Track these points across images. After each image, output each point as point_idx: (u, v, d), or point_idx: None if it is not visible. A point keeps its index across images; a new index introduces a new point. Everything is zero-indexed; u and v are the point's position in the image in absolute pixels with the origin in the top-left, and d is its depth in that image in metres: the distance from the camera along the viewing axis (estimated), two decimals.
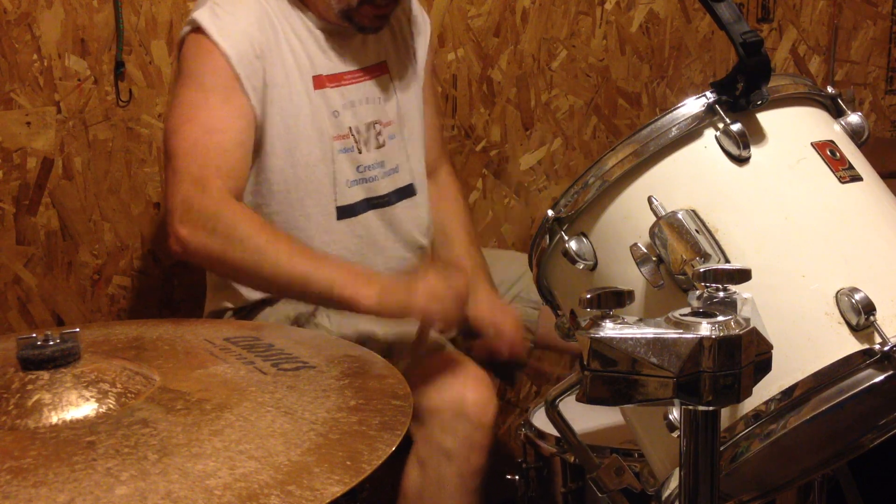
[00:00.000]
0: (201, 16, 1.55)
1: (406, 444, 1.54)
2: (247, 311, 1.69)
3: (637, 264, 0.99)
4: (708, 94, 1.05)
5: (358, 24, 1.63)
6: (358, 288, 1.43)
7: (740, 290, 0.79)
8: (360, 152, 1.69)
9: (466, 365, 1.55)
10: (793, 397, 0.96)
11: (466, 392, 1.50)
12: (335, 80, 1.66)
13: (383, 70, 1.74)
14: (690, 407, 0.77)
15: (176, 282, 2.02)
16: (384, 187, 1.72)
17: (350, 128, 1.68)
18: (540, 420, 1.55)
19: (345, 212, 1.69)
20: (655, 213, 1.01)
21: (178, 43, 1.62)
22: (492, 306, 1.71)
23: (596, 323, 0.76)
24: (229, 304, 1.71)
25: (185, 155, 1.51)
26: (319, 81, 1.64)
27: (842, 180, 1.05)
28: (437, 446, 1.50)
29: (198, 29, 1.55)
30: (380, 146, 1.72)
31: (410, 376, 1.49)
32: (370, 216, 1.72)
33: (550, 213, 1.10)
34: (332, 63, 1.66)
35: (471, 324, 1.67)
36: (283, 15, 1.62)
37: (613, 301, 0.77)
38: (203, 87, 1.55)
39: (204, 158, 1.50)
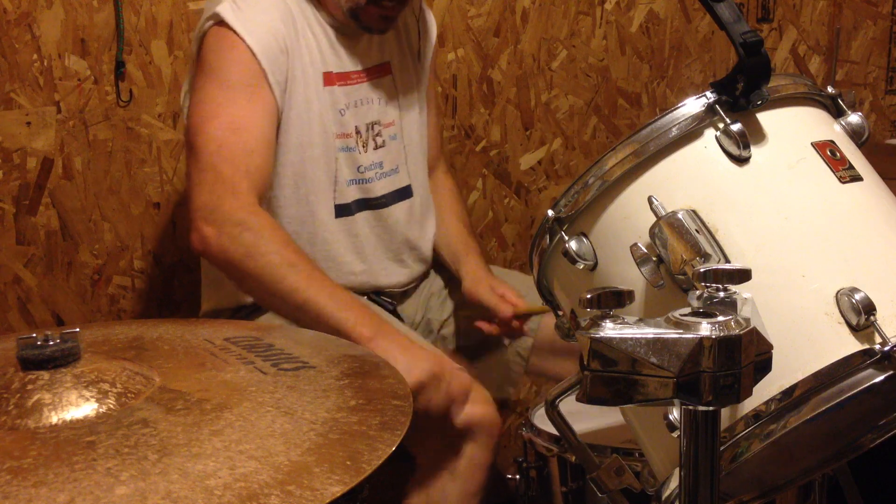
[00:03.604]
0: (224, 10, 1.53)
1: (407, 461, 1.54)
2: (246, 313, 1.69)
3: (637, 264, 0.99)
4: (708, 94, 1.04)
5: (364, 23, 1.62)
6: (364, 331, 1.41)
7: (740, 290, 0.79)
8: (359, 152, 1.69)
9: (472, 385, 1.54)
10: (793, 397, 0.96)
11: (471, 411, 1.50)
12: (343, 78, 1.66)
13: (386, 71, 1.74)
14: (690, 407, 0.77)
15: (176, 282, 2.02)
16: (380, 188, 1.72)
17: (355, 127, 1.68)
18: (540, 420, 1.55)
19: (341, 210, 1.69)
20: (655, 213, 1.01)
21: (197, 37, 1.59)
22: (489, 284, 1.74)
23: (596, 323, 0.76)
24: (225, 305, 1.71)
25: (212, 154, 1.49)
26: (329, 78, 1.64)
27: (842, 180, 1.05)
28: (441, 465, 1.50)
29: (220, 23, 1.53)
30: (378, 147, 1.71)
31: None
32: (364, 216, 1.72)
33: (550, 213, 1.10)
34: (340, 62, 1.66)
35: (471, 300, 1.72)
36: (300, 10, 1.62)
37: (613, 301, 0.77)
38: (228, 84, 1.53)
39: (232, 159, 1.48)
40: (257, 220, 1.46)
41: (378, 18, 1.62)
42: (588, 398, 0.77)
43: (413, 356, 1.41)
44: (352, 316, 1.43)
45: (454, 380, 1.44)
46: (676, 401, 0.76)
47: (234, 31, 1.52)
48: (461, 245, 1.84)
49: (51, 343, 0.97)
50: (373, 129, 1.71)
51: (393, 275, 1.77)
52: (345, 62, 1.67)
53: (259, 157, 1.52)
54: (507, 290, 1.72)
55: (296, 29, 1.59)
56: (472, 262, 1.80)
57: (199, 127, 1.52)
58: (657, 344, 0.74)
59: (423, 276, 1.85)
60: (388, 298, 1.78)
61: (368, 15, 1.61)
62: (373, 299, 1.75)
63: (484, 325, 1.74)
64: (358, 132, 1.69)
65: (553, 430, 1.44)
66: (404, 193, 1.77)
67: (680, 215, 0.99)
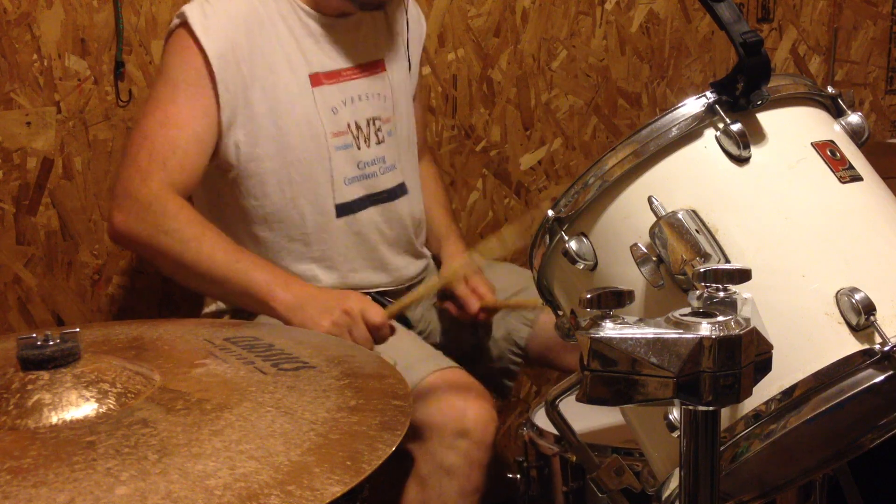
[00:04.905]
0: (190, 10, 1.56)
1: (406, 461, 1.55)
2: (247, 313, 1.69)
3: (637, 264, 0.99)
4: (708, 94, 1.04)
5: (360, 0, 1.63)
6: (274, 291, 1.49)
7: (740, 290, 0.79)
8: (359, 148, 1.69)
9: (467, 382, 1.55)
10: (793, 397, 0.96)
11: (467, 409, 1.50)
12: (333, 76, 1.66)
13: (381, 67, 1.74)
14: (690, 407, 0.77)
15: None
16: (385, 183, 1.73)
17: (349, 124, 1.68)
18: (541, 419, 1.55)
19: (344, 209, 1.69)
20: (655, 213, 1.01)
21: (165, 36, 1.62)
22: (465, 275, 1.77)
23: (596, 323, 0.76)
24: (224, 307, 1.71)
25: (137, 146, 1.54)
26: (316, 79, 1.64)
27: (842, 180, 1.05)
28: (438, 463, 1.50)
29: (185, 24, 1.56)
30: (380, 142, 1.72)
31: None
32: (371, 212, 1.71)
33: (550, 213, 1.10)
34: (330, 60, 1.66)
35: (444, 284, 1.76)
36: (278, 13, 1.62)
37: (613, 301, 0.77)
38: (173, 82, 1.57)
39: (152, 150, 1.53)
40: (163, 202, 1.50)
41: None
42: (588, 398, 0.77)
43: (313, 314, 1.49)
44: (259, 276, 1.51)
45: (360, 326, 1.50)
46: (676, 401, 0.76)
47: (193, 33, 1.55)
48: (443, 228, 1.91)
49: (51, 343, 0.97)
50: (374, 124, 1.71)
51: (394, 271, 1.77)
52: (336, 59, 1.67)
53: (183, 154, 1.54)
54: (479, 283, 1.76)
55: (266, 35, 1.60)
56: (451, 246, 1.87)
57: (137, 123, 1.59)
58: (657, 344, 0.74)
59: (424, 275, 1.86)
60: (390, 298, 1.77)
61: None
62: (376, 300, 1.75)
63: (451, 307, 1.80)
64: (359, 127, 1.68)
65: (554, 430, 1.45)
66: (403, 189, 1.77)
67: (680, 215, 0.99)
